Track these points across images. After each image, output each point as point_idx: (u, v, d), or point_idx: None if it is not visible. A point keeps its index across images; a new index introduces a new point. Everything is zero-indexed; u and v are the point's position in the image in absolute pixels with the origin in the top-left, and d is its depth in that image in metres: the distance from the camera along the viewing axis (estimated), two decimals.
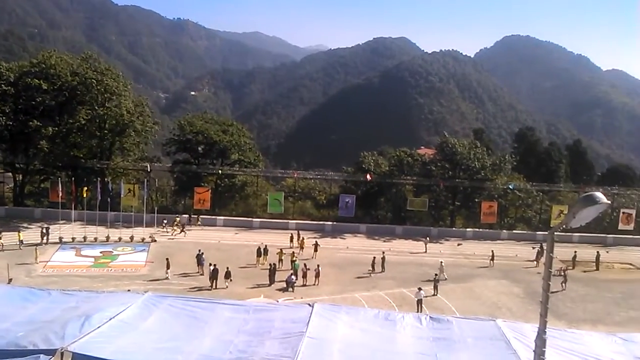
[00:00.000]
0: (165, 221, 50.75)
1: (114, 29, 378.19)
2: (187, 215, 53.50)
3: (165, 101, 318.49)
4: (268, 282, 36.16)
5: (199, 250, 38.73)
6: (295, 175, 64.86)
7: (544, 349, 8.25)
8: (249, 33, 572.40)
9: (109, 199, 47.69)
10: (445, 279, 38.28)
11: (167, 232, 49.43)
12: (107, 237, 45.22)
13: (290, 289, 35.11)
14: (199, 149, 59.38)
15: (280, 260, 39.57)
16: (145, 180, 52.83)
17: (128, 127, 55.80)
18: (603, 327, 30.14)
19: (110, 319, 12.94)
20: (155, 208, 53.23)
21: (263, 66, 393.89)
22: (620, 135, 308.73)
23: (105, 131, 56.15)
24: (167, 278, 35.94)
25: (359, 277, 39.21)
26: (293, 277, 35.89)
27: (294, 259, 39.42)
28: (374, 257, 40.53)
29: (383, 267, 40.21)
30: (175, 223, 50.41)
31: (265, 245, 41.80)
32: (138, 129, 56.54)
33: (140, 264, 39.85)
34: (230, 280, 35.06)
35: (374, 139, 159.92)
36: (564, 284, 38.26)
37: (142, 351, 11.95)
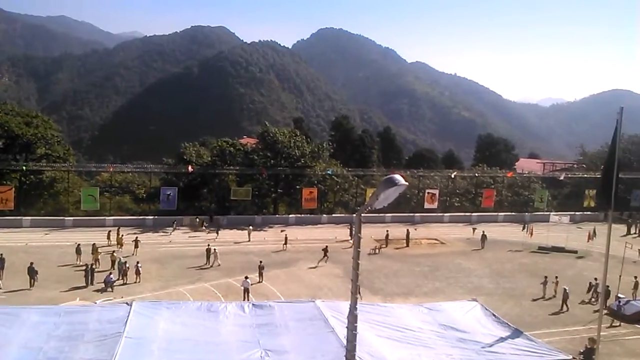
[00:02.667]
0: None
1: None
2: None
3: None
4: (84, 284, 33.93)
5: (1, 254, 35.05)
6: (111, 169, 61.59)
7: (355, 324, 8.74)
8: (55, 17, 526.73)
9: None
10: None
11: None
12: None
13: (110, 289, 33.23)
14: None
15: (97, 260, 37.33)
16: None
17: None
18: (414, 298, 32.78)
19: None
20: None
21: (72, 53, 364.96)
22: (424, 122, 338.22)
23: None
24: None
25: (183, 271, 38.37)
26: (112, 276, 34.02)
27: (113, 257, 37.43)
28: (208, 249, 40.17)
29: (208, 259, 39.80)
30: None
31: (78, 245, 39.16)
32: None
33: None
34: (35, 280, 32.47)
35: (196, 130, 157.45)
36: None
37: None
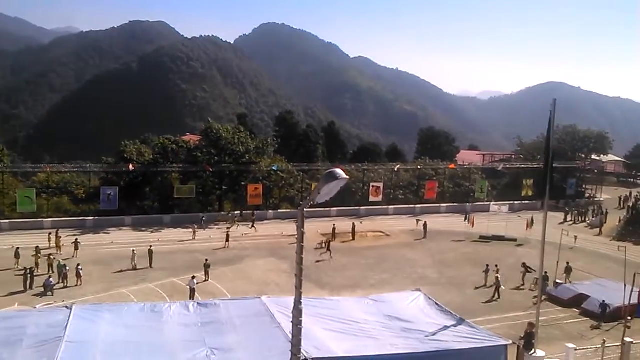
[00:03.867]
0: None
1: None
2: None
3: None
4: (23, 288, 32.74)
5: None
6: (48, 169, 59.46)
7: (300, 319, 8.77)
8: None
9: None
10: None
11: None
12: None
13: (50, 293, 32.20)
14: None
15: (37, 263, 36.05)
16: None
17: None
18: (361, 291, 33.09)
19: None
20: None
21: (4, 50, 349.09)
22: (368, 116, 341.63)
23: None
24: None
25: (126, 272, 37.50)
26: (51, 279, 32.97)
27: (50, 260, 36.20)
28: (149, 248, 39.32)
29: (151, 261, 39.01)
30: None
31: (17, 248, 37.75)
32: None
33: None
34: None
35: (136, 127, 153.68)
36: (330, 254, 42.25)
37: None
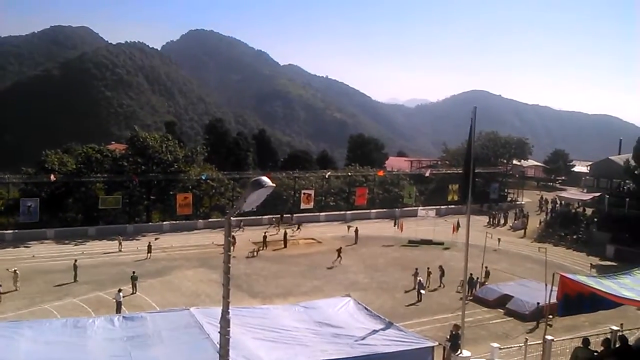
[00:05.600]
0: None
1: None
2: None
3: None
4: None
5: None
6: None
7: (228, 329, 8.66)
8: None
9: None
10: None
11: None
12: None
13: None
14: None
15: None
16: None
17: None
18: (293, 298, 33.03)
19: None
20: None
21: None
22: (299, 123, 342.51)
23: None
24: None
25: (49, 287, 35.93)
26: None
27: None
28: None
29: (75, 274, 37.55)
30: None
31: None
32: None
33: None
34: None
35: (59, 136, 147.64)
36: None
37: None
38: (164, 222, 56.92)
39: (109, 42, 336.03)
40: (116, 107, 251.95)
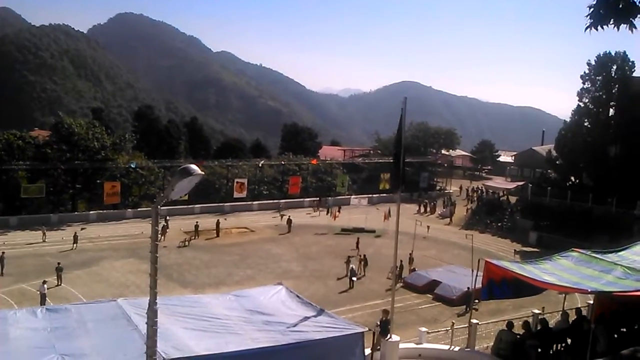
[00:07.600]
0: None
1: None
2: None
3: None
4: None
5: None
6: None
7: (156, 320, 8.49)
8: None
9: None
10: None
11: None
12: None
13: None
14: None
15: None
16: None
17: None
18: (225, 288, 32.78)
19: None
20: None
21: None
22: (232, 111, 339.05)
23: None
24: None
25: None
26: None
27: None
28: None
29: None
30: None
31: None
32: None
33: None
34: None
35: None
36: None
37: None
38: (91, 212, 55.06)
39: (32, 24, 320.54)
40: (39, 92, 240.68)
